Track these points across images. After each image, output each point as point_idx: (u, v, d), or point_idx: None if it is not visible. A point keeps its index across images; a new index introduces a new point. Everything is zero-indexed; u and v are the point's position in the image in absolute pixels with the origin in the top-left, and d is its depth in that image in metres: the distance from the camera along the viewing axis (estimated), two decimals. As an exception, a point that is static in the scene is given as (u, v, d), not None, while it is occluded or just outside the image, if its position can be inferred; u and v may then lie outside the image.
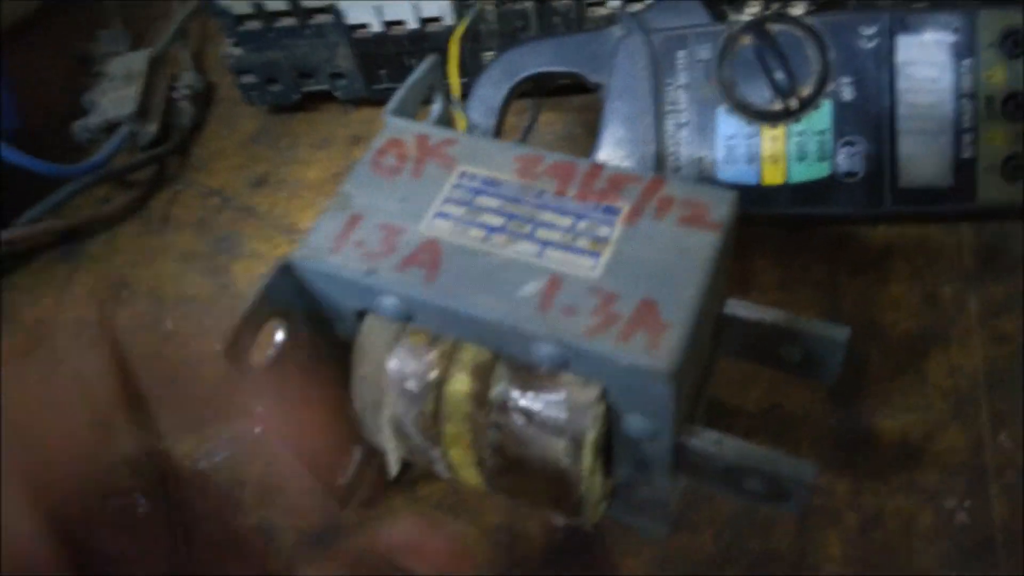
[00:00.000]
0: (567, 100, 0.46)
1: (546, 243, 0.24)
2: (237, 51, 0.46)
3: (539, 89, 0.44)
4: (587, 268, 0.24)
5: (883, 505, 0.29)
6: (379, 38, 0.44)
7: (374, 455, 0.33)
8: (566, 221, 0.25)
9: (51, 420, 0.22)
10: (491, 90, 0.37)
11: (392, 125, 0.28)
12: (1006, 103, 0.34)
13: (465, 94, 0.38)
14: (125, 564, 0.22)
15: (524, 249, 0.24)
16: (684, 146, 0.36)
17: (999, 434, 0.31)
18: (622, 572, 0.30)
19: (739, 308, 0.27)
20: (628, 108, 0.36)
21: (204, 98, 0.51)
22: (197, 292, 0.42)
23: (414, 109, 0.30)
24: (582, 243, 0.24)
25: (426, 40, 0.43)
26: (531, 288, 0.23)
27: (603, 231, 0.24)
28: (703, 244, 0.24)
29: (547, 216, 0.25)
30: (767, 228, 0.38)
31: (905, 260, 0.36)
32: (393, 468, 0.28)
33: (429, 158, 0.27)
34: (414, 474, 0.34)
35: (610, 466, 0.27)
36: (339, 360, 0.28)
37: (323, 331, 0.28)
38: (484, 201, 0.26)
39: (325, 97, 0.48)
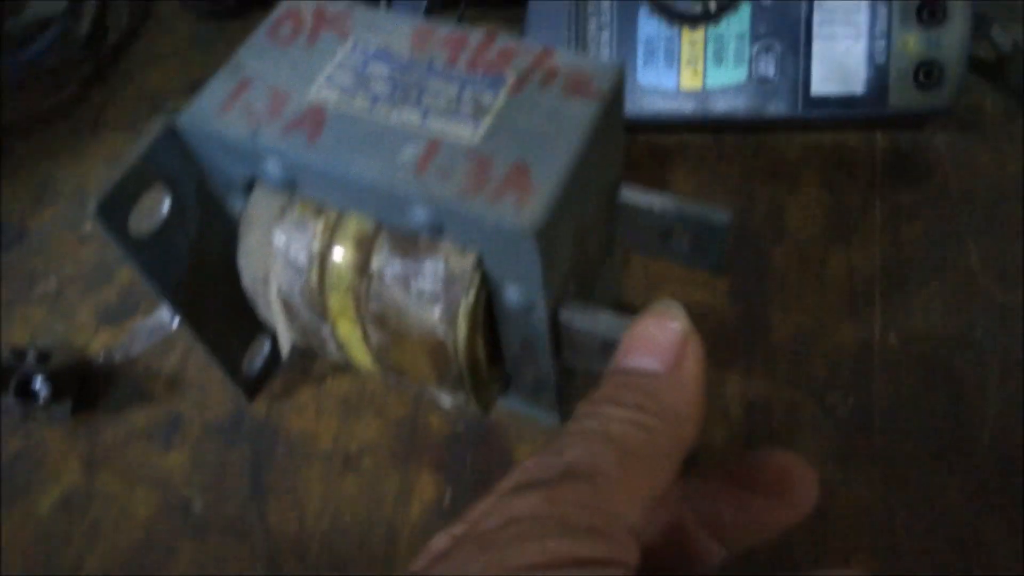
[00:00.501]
0: (505, 12, 0.45)
1: (430, 110, 0.24)
2: (170, -48, 0.45)
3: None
4: (467, 134, 0.24)
5: (770, 397, 0.30)
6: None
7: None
8: (452, 89, 0.25)
9: None
10: (413, -14, 0.37)
11: (291, -3, 0.28)
12: (921, 9, 0.34)
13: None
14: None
15: (408, 115, 0.24)
16: (605, 48, 0.36)
17: (888, 333, 0.31)
18: (515, 458, 0.30)
19: (631, 195, 0.27)
20: (548, 8, 0.36)
21: (140, 5, 0.50)
22: (122, 193, 0.42)
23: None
24: (465, 110, 0.24)
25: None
26: (409, 152, 0.23)
27: (487, 99, 0.24)
28: (582, 112, 0.24)
29: (434, 84, 0.25)
30: (683, 137, 0.38)
31: (818, 167, 0.36)
32: (284, 347, 0.28)
33: (325, 28, 0.27)
34: (322, 370, 0.34)
35: (498, 349, 0.27)
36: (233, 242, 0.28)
37: (216, 210, 0.28)
38: (374, 69, 0.25)
39: (261, 5, 0.47)
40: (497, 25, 0.45)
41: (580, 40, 0.36)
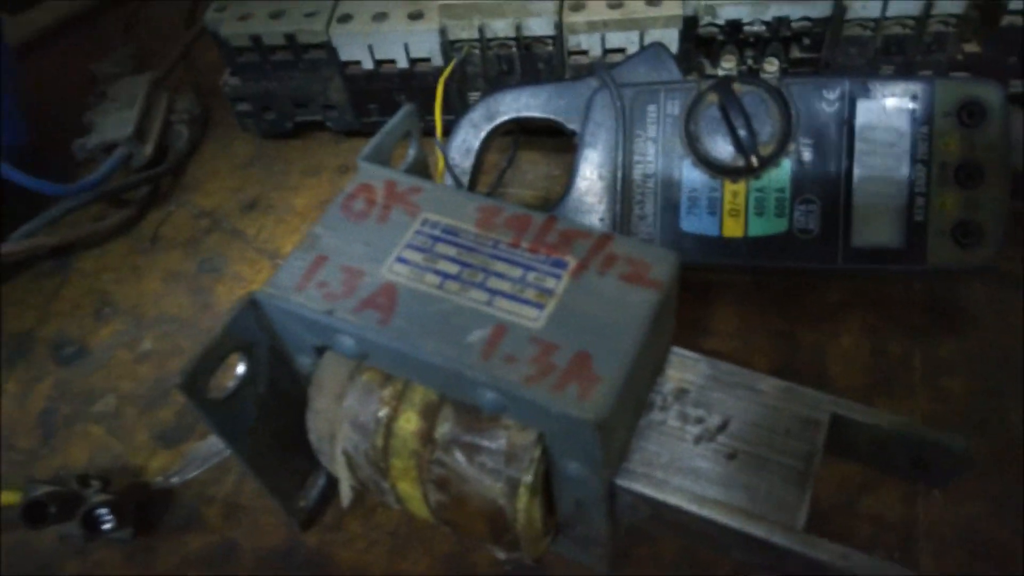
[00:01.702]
0: (551, 140, 0.47)
1: (496, 292, 0.26)
2: (234, 80, 0.48)
3: (520, 129, 0.46)
4: (531, 318, 0.25)
5: (816, 555, 0.30)
6: (370, 75, 0.45)
7: (336, 483, 0.34)
8: (517, 272, 0.26)
9: None
10: (469, 133, 0.39)
11: (364, 170, 0.30)
12: (959, 171, 0.35)
13: (448, 132, 0.40)
14: None
15: (475, 297, 0.26)
16: (649, 195, 0.37)
17: (932, 491, 0.32)
18: (563, 605, 0.31)
19: (851, 411, 0.27)
20: (598, 156, 0.38)
21: (201, 123, 0.53)
22: (178, 311, 0.44)
23: (388, 155, 0.31)
24: (529, 294, 0.26)
25: (415, 79, 0.45)
26: (477, 335, 0.25)
27: (550, 283, 0.26)
28: (642, 301, 0.25)
29: (499, 266, 0.26)
30: (727, 276, 0.39)
31: (858, 314, 0.37)
32: (346, 497, 0.29)
33: (396, 204, 0.28)
34: (372, 502, 0.35)
35: (552, 503, 0.28)
36: (299, 389, 0.29)
37: (284, 364, 0.29)
38: (443, 248, 0.27)
39: (317, 127, 0.50)
40: (539, 154, 0.48)
41: (626, 188, 0.37)
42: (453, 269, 0.26)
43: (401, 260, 0.27)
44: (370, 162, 0.30)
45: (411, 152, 0.33)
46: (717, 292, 0.39)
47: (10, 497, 0.34)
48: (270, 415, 0.29)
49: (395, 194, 0.29)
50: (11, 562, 0.35)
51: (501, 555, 0.28)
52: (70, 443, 0.39)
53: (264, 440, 0.30)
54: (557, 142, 0.47)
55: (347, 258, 0.27)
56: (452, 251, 0.27)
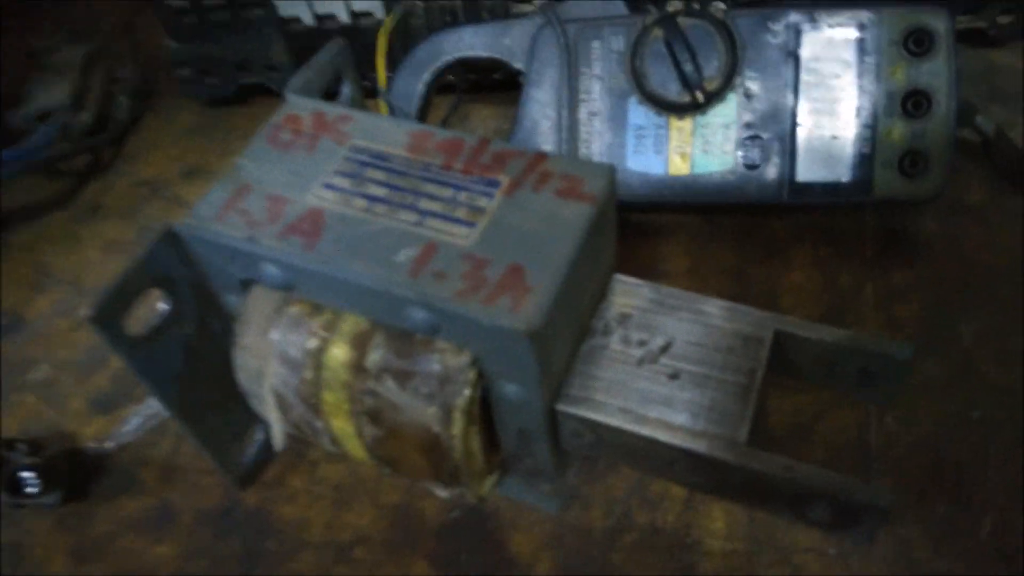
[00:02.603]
0: (503, 96, 0.46)
1: (426, 212, 0.25)
2: (174, 44, 0.46)
3: (469, 82, 0.45)
4: (462, 236, 0.24)
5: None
6: (311, 32, 0.44)
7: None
8: (447, 192, 0.25)
9: None
10: (412, 76, 0.38)
11: (292, 101, 0.29)
12: (905, 100, 0.35)
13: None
14: None
15: (404, 218, 0.25)
16: (596, 134, 0.37)
17: (885, 416, 0.31)
18: (511, 548, 0.30)
19: (794, 327, 0.26)
20: (543, 95, 0.37)
21: (143, 92, 0.51)
22: (119, 278, 0.42)
23: (318, 90, 0.30)
24: (460, 213, 0.25)
25: (358, 34, 0.44)
26: (405, 254, 0.24)
27: (482, 202, 0.25)
28: (576, 214, 0.24)
29: (430, 188, 0.25)
30: (677, 216, 0.38)
31: (808, 248, 0.37)
32: (278, 441, 0.28)
33: (324, 133, 0.27)
34: (315, 457, 0.34)
35: (495, 439, 0.27)
36: (228, 336, 0.28)
37: (212, 305, 0.28)
38: (372, 173, 0.26)
39: (262, 92, 0.49)
40: (490, 109, 0.47)
41: (572, 127, 0.37)
42: (382, 192, 0.26)
43: (328, 186, 0.26)
44: (298, 94, 0.29)
45: (344, 91, 0.32)
46: (667, 233, 0.39)
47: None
48: (200, 362, 0.28)
49: (323, 123, 0.28)
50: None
51: (443, 493, 0.27)
52: (4, 413, 0.37)
53: (196, 391, 0.29)
54: (510, 96, 0.46)
55: (271, 187, 0.26)
56: (381, 175, 0.26)
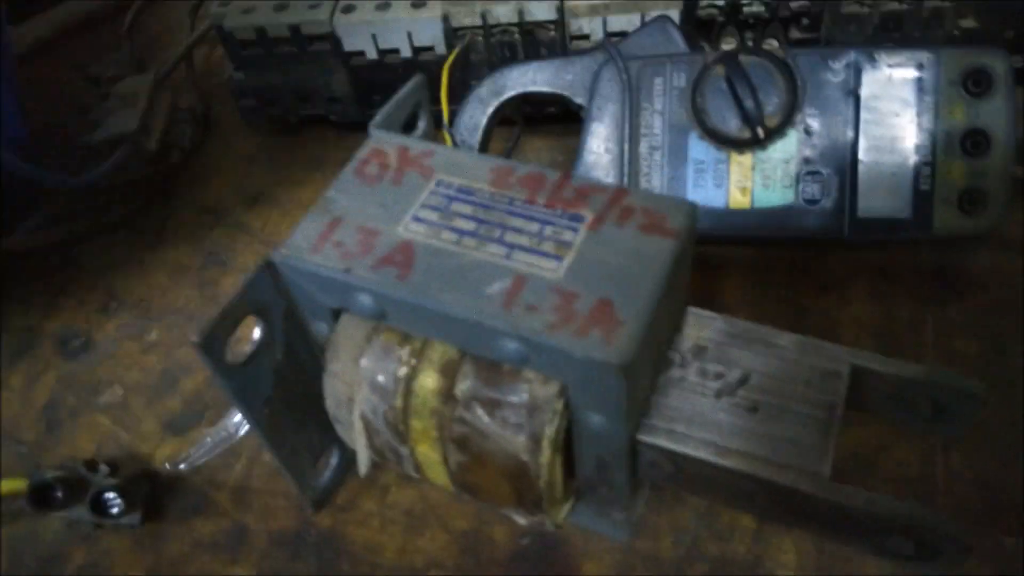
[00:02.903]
0: (555, 127, 0.47)
1: (513, 246, 0.26)
2: (239, 75, 0.48)
3: (523, 115, 0.46)
4: (550, 270, 0.25)
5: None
6: (374, 65, 0.46)
7: (350, 460, 0.34)
8: (534, 227, 0.26)
9: None
10: (476, 109, 0.39)
11: (376, 137, 0.30)
12: (964, 139, 0.36)
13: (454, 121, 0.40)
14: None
15: (493, 251, 0.26)
16: (656, 169, 0.38)
17: (950, 451, 0.32)
18: (582, 573, 0.31)
19: (871, 361, 0.27)
20: (605, 130, 0.38)
21: (204, 119, 0.53)
22: (185, 304, 0.44)
23: (399, 125, 0.32)
24: (547, 247, 0.26)
25: (419, 68, 0.45)
26: (497, 287, 0.25)
27: (567, 236, 0.26)
28: (660, 249, 0.25)
29: (516, 222, 0.26)
30: (735, 249, 0.39)
31: (866, 282, 0.37)
32: (363, 466, 0.29)
33: (409, 167, 0.28)
34: (386, 481, 0.34)
35: (572, 467, 0.28)
36: (314, 361, 0.29)
37: (299, 332, 0.29)
38: (458, 207, 0.27)
39: (322, 121, 0.50)
40: (543, 141, 0.48)
41: (633, 161, 0.38)
42: (470, 226, 0.26)
43: (417, 219, 0.27)
44: (381, 129, 0.30)
45: (420, 124, 0.33)
46: (725, 268, 0.39)
47: (13, 485, 0.34)
48: (286, 386, 0.29)
49: (408, 158, 0.29)
50: (16, 550, 0.35)
51: (522, 520, 0.28)
52: (76, 434, 0.39)
53: (280, 413, 0.30)
54: (562, 128, 0.47)
55: (362, 219, 0.27)
56: (468, 209, 0.27)
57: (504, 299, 0.24)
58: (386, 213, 0.27)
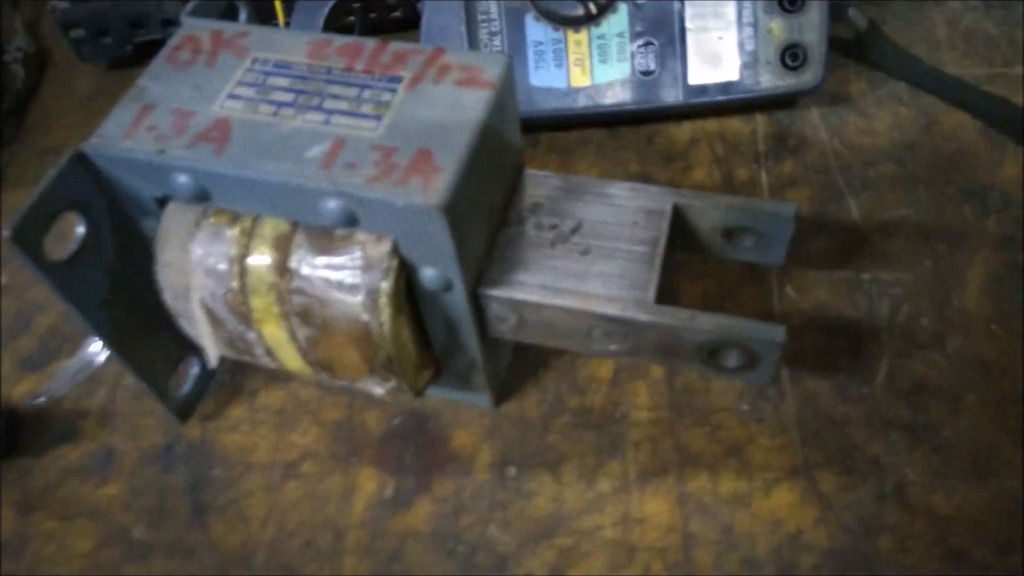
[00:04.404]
0: (408, 37, 0.47)
1: (332, 112, 0.26)
2: (63, 4, 0.45)
3: (368, 22, 0.45)
4: (369, 130, 0.25)
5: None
6: (206, -19, 0.44)
7: (213, 372, 0.33)
8: (352, 92, 0.26)
9: None
10: (309, 13, 0.39)
11: (188, 24, 0.29)
12: (781, -2, 0.37)
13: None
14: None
15: (311, 119, 0.26)
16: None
17: (784, 287, 0.34)
18: (453, 444, 0.31)
19: (688, 199, 0.28)
20: (442, 19, 0.38)
21: (38, 61, 0.50)
22: (34, 243, 0.42)
23: (215, 15, 0.31)
24: (366, 109, 0.26)
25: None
26: (316, 150, 0.25)
27: (385, 97, 0.26)
28: (476, 99, 0.25)
29: (334, 89, 0.26)
30: (583, 133, 0.40)
31: (707, 148, 0.39)
32: (212, 358, 0.29)
33: (223, 49, 0.28)
34: (254, 385, 0.34)
35: (427, 338, 0.29)
36: (151, 263, 0.29)
37: (131, 233, 0.28)
38: (275, 81, 0.27)
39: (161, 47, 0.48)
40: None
41: (473, 47, 0.38)
42: (287, 98, 0.26)
43: (233, 96, 0.26)
44: (194, 17, 0.29)
45: (241, 16, 0.32)
46: (576, 148, 0.40)
47: None
48: (125, 289, 0.28)
49: (222, 40, 0.28)
50: None
51: (379, 389, 0.28)
52: (-75, 384, 0.37)
53: (123, 319, 0.29)
54: (408, 37, 0.47)
55: (176, 102, 0.26)
56: (285, 82, 0.27)
57: (324, 160, 0.24)
58: (200, 94, 0.27)
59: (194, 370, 0.33)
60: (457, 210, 0.24)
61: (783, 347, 0.25)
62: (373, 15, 0.45)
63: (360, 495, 0.31)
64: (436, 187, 0.23)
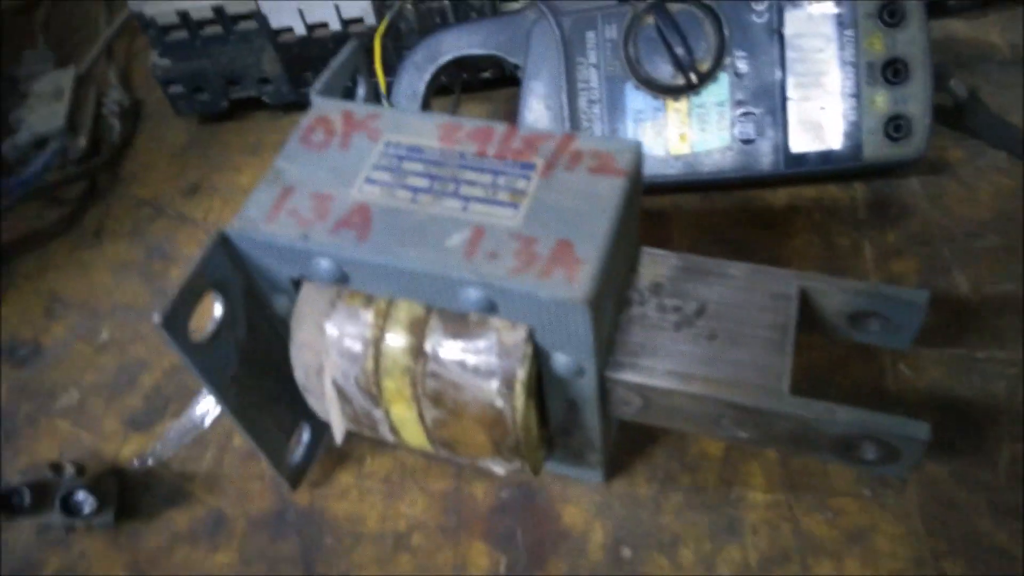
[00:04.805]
0: (492, 93, 0.48)
1: (469, 198, 0.26)
2: (164, 62, 0.47)
3: (461, 80, 0.46)
4: (508, 218, 0.25)
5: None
6: (303, 41, 0.45)
7: (322, 434, 0.34)
8: (487, 178, 0.26)
9: None
10: (414, 76, 0.39)
11: (318, 104, 0.30)
12: (885, 68, 0.37)
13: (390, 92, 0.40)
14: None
15: (449, 205, 0.26)
16: (597, 121, 0.38)
17: (898, 364, 0.33)
18: (564, 520, 0.31)
19: (817, 281, 0.28)
20: (543, 87, 0.38)
21: (133, 113, 0.52)
22: (133, 299, 0.43)
23: (338, 92, 0.31)
24: (502, 196, 0.26)
25: (349, 40, 0.45)
26: (457, 239, 0.25)
27: (521, 184, 0.26)
28: (611, 188, 0.26)
29: (469, 175, 0.27)
30: (676, 198, 0.40)
31: (805, 216, 0.39)
32: (339, 435, 0.29)
33: (355, 131, 0.28)
34: (360, 452, 0.35)
35: (544, 415, 0.29)
36: (278, 338, 0.29)
37: (260, 308, 0.29)
38: (409, 166, 0.27)
39: (254, 104, 0.49)
40: (481, 107, 0.48)
41: (573, 115, 0.38)
42: (423, 183, 0.27)
43: (370, 181, 0.27)
44: (323, 96, 0.30)
45: (360, 92, 0.33)
46: (672, 216, 0.40)
47: (-24, 497, 0.33)
48: (251, 363, 0.29)
49: (353, 122, 0.29)
50: (-14, 563, 0.34)
51: (501, 470, 0.28)
52: (36, 442, 0.38)
53: (248, 391, 0.29)
54: (499, 93, 0.48)
55: (314, 185, 0.27)
56: (419, 167, 0.27)
57: (465, 249, 0.25)
58: (338, 178, 0.27)
59: (305, 436, 0.34)
60: (598, 302, 0.24)
61: (927, 445, 0.25)
62: (465, 76, 0.46)
63: (473, 571, 0.31)
64: (580, 280, 0.24)
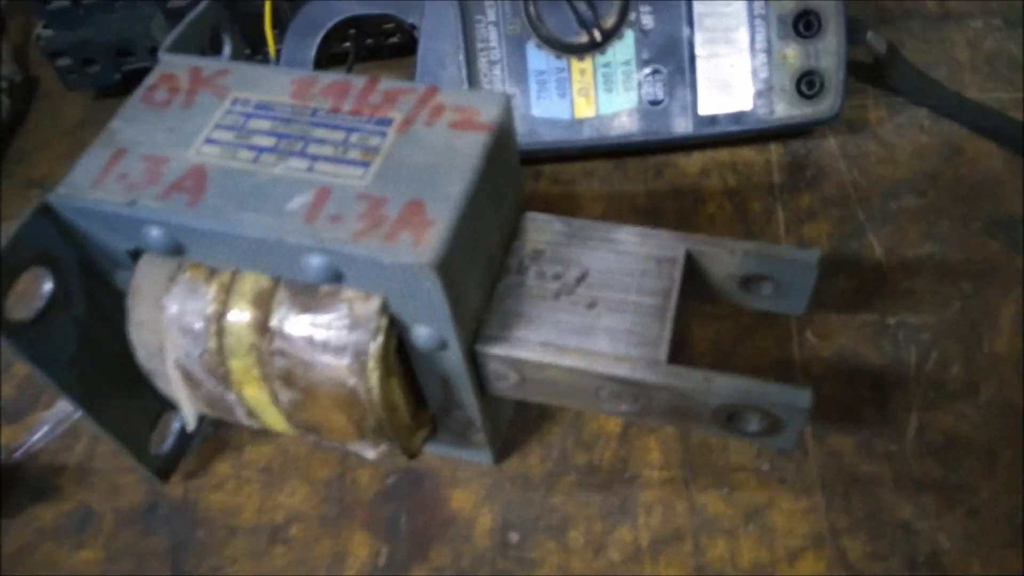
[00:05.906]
0: (405, 60, 0.45)
1: (316, 157, 0.24)
2: (48, 32, 0.44)
3: (364, 47, 0.43)
4: (356, 177, 0.23)
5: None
6: (194, 5, 0.42)
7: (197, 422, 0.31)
8: (338, 135, 0.24)
9: None
10: (302, 41, 0.37)
11: (165, 61, 0.27)
12: (797, 21, 0.35)
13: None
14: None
15: (294, 165, 0.24)
16: (498, 83, 0.36)
17: (805, 331, 0.31)
18: (451, 505, 0.29)
19: (704, 243, 0.26)
20: (439, 48, 0.36)
21: (24, 90, 0.49)
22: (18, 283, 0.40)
23: (194, 50, 0.29)
24: (353, 154, 0.24)
25: (242, 4, 0.42)
26: (298, 201, 0.23)
27: (374, 141, 0.24)
28: (471, 143, 0.23)
29: (319, 132, 0.24)
30: (587, 164, 0.38)
31: (719, 180, 0.37)
32: (190, 420, 0.27)
33: (201, 88, 0.26)
34: (240, 440, 0.32)
35: (421, 395, 0.27)
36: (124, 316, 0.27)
37: (104, 285, 0.26)
38: (256, 124, 0.25)
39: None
40: (404, 74, 0.46)
41: (473, 78, 0.36)
42: (269, 142, 0.24)
43: (210, 141, 0.24)
44: (172, 53, 0.27)
45: (225, 50, 0.30)
46: (580, 181, 0.38)
47: None
48: (97, 346, 0.27)
49: (200, 79, 0.26)
50: None
51: (371, 454, 0.26)
52: None
53: (97, 377, 0.27)
54: (407, 62, 0.45)
55: (149, 147, 0.25)
56: (266, 125, 0.25)
57: (306, 213, 0.22)
58: (176, 138, 0.25)
59: (176, 425, 0.31)
60: (451, 266, 0.22)
61: (809, 413, 0.23)
62: (370, 41, 0.44)
63: (351, 563, 0.29)
64: (428, 242, 0.21)
